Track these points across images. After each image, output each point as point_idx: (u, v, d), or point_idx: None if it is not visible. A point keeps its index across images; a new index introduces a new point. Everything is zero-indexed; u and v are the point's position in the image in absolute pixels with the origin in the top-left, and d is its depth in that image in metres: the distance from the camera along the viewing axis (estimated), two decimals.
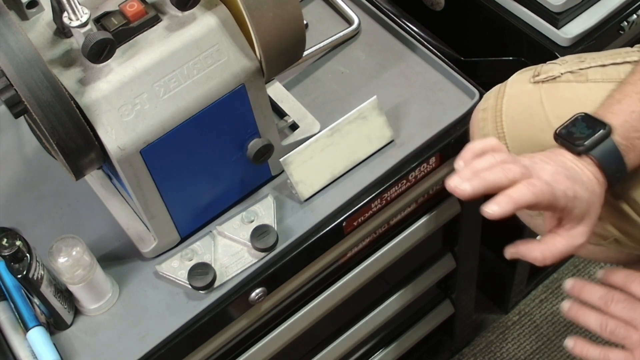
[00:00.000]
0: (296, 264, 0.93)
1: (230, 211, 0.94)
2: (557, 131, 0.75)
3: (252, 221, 0.91)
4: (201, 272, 0.87)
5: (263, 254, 0.89)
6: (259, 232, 0.89)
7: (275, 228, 0.90)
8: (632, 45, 0.87)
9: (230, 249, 0.90)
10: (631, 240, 0.82)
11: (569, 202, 0.72)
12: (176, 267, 0.89)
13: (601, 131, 0.73)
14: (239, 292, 0.89)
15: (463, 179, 0.70)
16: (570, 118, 0.75)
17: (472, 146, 0.74)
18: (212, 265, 0.88)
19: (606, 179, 0.74)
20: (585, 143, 0.73)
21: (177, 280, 0.89)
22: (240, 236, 0.90)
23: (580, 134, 0.74)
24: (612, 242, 0.83)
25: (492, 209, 0.70)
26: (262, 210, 0.92)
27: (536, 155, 0.75)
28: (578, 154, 0.74)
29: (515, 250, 0.77)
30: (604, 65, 0.83)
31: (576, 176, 0.73)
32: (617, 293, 0.76)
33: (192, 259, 0.89)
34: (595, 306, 0.76)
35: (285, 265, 0.90)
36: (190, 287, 0.87)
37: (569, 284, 0.78)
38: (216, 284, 0.87)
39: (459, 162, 0.73)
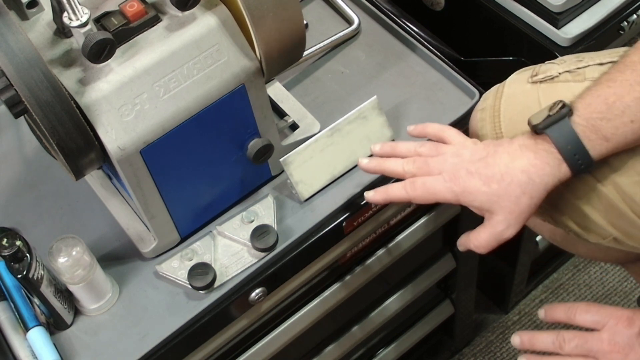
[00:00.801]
0: (296, 264, 0.93)
1: (230, 211, 0.94)
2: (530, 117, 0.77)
3: (252, 221, 0.91)
4: (201, 272, 0.87)
5: (263, 254, 0.89)
6: (259, 232, 0.89)
7: (275, 228, 0.90)
8: (631, 45, 0.87)
9: (230, 249, 0.90)
10: (630, 239, 0.82)
11: (458, 198, 0.79)
12: (176, 267, 0.89)
13: (560, 110, 0.75)
14: (239, 292, 0.89)
15: (369, 161, 0.86)
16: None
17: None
18: (212, 265, 0.88)
19: (565, 160, 0.75)
20: (543, 123, 0.75)
21: (177, 280, 0.89)
22: (240, 236, 0.90)
23: (543, 113, 0.76)
24: (611, 241, 0.83)
25: (369, 195, 0.85)
26: (262, 210, 0.92)
27: (474, 145, 0.81)
28: (536, 132, 0.76)
29: (459, 242, 0.84)
30: (601, 64, 0.83)
31: (486, 170, 0.77)
32: (566, 333, 0.79)
33: (192, 259, 0.89)
34: (550, 352, 0.80)
35: (285, 265, 0.90)
36: (190, 287, 0.87)
37: (516, 340, 0.83)
38: (216, 284, 0.87)
39: (377, 145, 0.86)
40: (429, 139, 0.88)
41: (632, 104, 0.73)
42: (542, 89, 0.84)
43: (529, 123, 0.77)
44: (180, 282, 0.89)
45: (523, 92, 0.85)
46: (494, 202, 0.77)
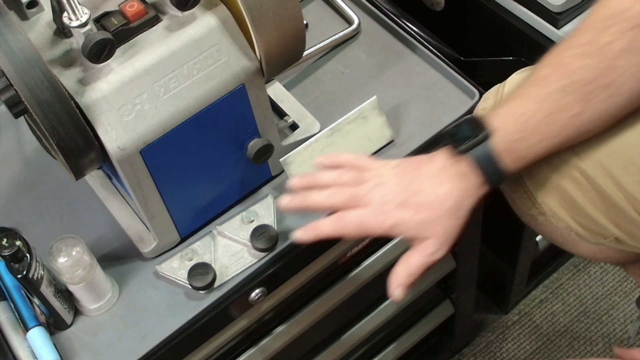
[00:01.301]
0: (296, 264, 0.93)
1: (230, 211, 0.94)
2: (443, 131, 0.78)
3: (252, 221, 0.91)
4: (201, 272, 0.87)
5: (263, 254, 0.89)
6: (259, 232, 0.89)
7: (275, 228, 0.90)
8: None
9: (230, 249, 0.90)
10: (632, 239, 0.82)
11: (389, 230, 0.77)
12: (176, 267, 0.89)
13: (480, 134, 0.75)
14: (239, 292, 0.89)
15: (291, 199, 0.81)
16: (457, 120, 0.78)
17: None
18: (212, 265, 0.88)
19: (486, 181, 0.77)
20: (464, 145, 0.76)
21: (177, 280, 0.89)
22: (240, 236, 0.90)
23: (461, 135, 0.76)
24: (613, 240, 0.83)
25: (296, 234, 0.80)
26: (262, 210, 0.92)
27: (395, 170, 0.80)
28: (456, 153, 0.77)
29: (396, 286, 0.79)
30: None
31: (414, 199, 0.77)
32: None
33: (192, 259, 0.89)
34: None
35: (285, 265, 0.90)
36: (190, 287, 0.87)
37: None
38: (216, 284, 0.87)
39: (295, 179, 0.82)
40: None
41: (542, 122, 0.74)
42: None
43: (445, 137, 0.78)
44: (180, 282, 0.89)
45: None
46: (424, 229, 0.77)
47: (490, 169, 0.76)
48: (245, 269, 0.89)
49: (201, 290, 0.87)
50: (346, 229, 0.79)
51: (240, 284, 0.89)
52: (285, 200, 0.81)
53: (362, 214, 0.78)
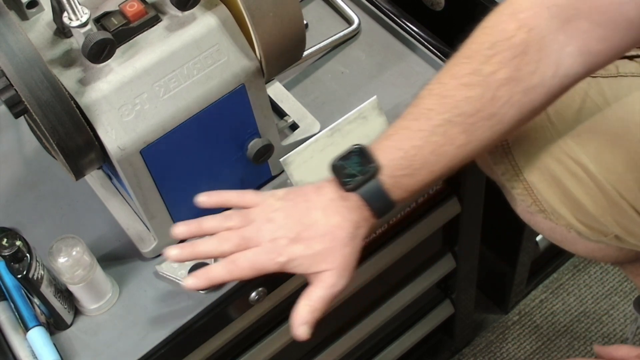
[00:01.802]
0: None
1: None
2: (333, 162, 0.77)
3: None
4: None
5: None
6: None
7: None
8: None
9: None
10: (631, 236, 0.82)
11: (284, 266, 0.77)
12: (176, 267, 0.89)
13: (368, 171, 0.75)
14: (239, 292, 0.89)
15: (177, 247, 0.79)
16: (347, 149, 0.77)
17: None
18: None
19: (376, 214, 0.77)
20: (353, 183, 0.76)
21: (177, 280, 0.89)
22: None
23: (351, 170, 0.76)
24: (613, 238, 0.83)
25: (188, 282, 0.78)
26: None
27: (283, 203, 0.79)
28: (345, 190, 0.76)
29: (299, 323, 0.79)
30: None
31: (306, 233, 0.76)
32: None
33: None
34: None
35: None
36: None
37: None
38: None
39: (180, 227, 0.80)
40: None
41: (429, 156, 0.74)
42: None
43: (334, 171, 0.77)
44: (180, 282, 0.89)
45: None
46: (320, 262, 0.77)
47: (378, 203, 0.77)
48: None
49: (201, 290, 0.87)
50: (240, 272, 0.77)
51: (241, 284, 0.89)
52: (174, 252, 0.79)
53: (254, 255, 0.77)
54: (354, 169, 0.76)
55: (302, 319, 0.78)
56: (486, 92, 0.71)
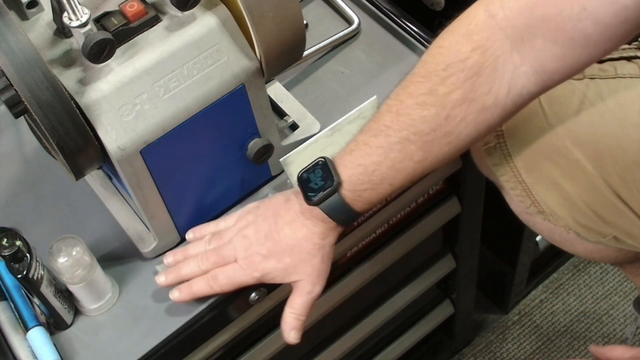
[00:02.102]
0: None
1: (231, 210, 0.94)
2: (300, 174, 0.81)
3: None
4: None
5: None
6: None
7: None
8: (629, 43, 0.87)
9: None
10: (630, 238, 0.82)
11: (260, 279, 0.83)
12: None
13: (330, 186, 0.79)
14: (239, 292, 0.89)
15: (164, 273, 0.86)
16: (313, 162, 0.81)
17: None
18: None
19: (339, 225, 0.82)
20: (315, 198, 0.79)
21: None
22: None
23: (314, 184, 0.80)
24: (611, 239, 0.83)
25: (174, 295, 0.85)
26: None
27: (255, 217, 0.85)
28: (309, 204, 0.80)
29: (288, 329, 0.86)
30: (601, 62, 0.83)
31: (276, 247, 0.82)
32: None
33: None
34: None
35: None
36: None
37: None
38: None
39: (168, 257, 0.88)
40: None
41: (389, 171, 0.77)
42: None
43: (299, 183, 0.81)
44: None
45: None
46: (292, 273, 0.83)
47: (341, 215, 0.80)
48: None
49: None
50: (220, 287, 0.84)
51: None
52: (162, 279, 0.86)
53: (231, 271, 0.83)
54: (317, 182, 0.80)
55: (289, 326, 0.85)
56: (441, 111, 0.73)
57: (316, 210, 0.80)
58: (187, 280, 0.85)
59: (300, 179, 0.81)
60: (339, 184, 0.79)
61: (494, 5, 0.70)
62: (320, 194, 0.79)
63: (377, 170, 0.77)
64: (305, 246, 0.82)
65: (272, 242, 0.82)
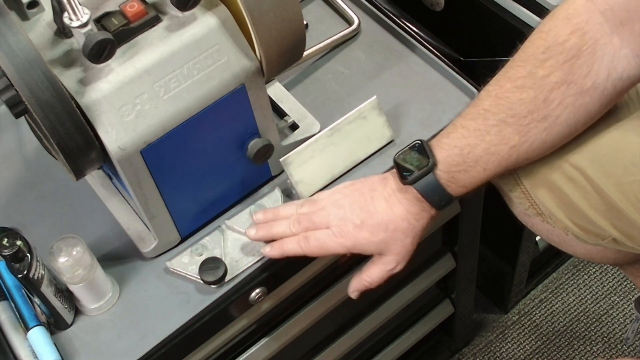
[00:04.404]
0: (296, 263, 0.93)
1: (237, 206, 0.94)
2: (395, 156, 0.82)
3: None
4: (212, 266, 0.87)
5: None
6: None
7: None
8: None
9: (239, 242, 0.90)
10: (629, 240, 0.82)
11: (350, 250, 0.84)
12: (186, 262, 0.89)
13: (425, 166, 0.80)
14: (239, 292, 0.89)
15: (255, 227, 0.88)
16: (408, 144, 0.82)
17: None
18: (223, 260, 0.88)
19: (432, 206, 0.83)
20: (410, 177, 0.81)
21: (188, 276, 0.89)
22: None
23: (410, 164, 0.81)
24: (610, 241, 0.83)
25: (265, 250, 0.87)
26: (270, 203, 0.92)
27: (349, 191, 0.85)
28: (403, 184, 0.82)
29: (351, 288, 0.88)
30: None
31: (371, 220, 0.82)
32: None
33: (202, 254, 0.90)
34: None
35: (285, 265, 0.91)
36: (201, 282, 0.87)
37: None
38: (227, 277, 0.87)
39: (259, 214, 0.89)
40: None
41: (483, 154, 0.78)
42: None
43: (395, 164, 0.82)
44: (191, 278, 0.89)
45: None
46: (383, 248, 0.84)
47: (435, 197, 0.81)
48: (256, 262, 0.89)
49: (213, 284, 0.87)
50: (309, 248, 0.84)
51: (241, 283, 0.89)
52: (253, 231, 0.88)
53: (324, 235, 0.84)
54: (413, 163, 0.81)
55: (357, 288, 0.87)
56: (539, 94, 0.74)
57: (411, 190, 0.81)
58: (276, 238, 0.86)
59: (395, 160, 0.82)
60: (434, 164, 0.80)
61: None
62: (416, 173, 0.80)
63: (472, 153, 0.78)
64: (400, 224, 0.82)
65: (366, 214, 0.83)
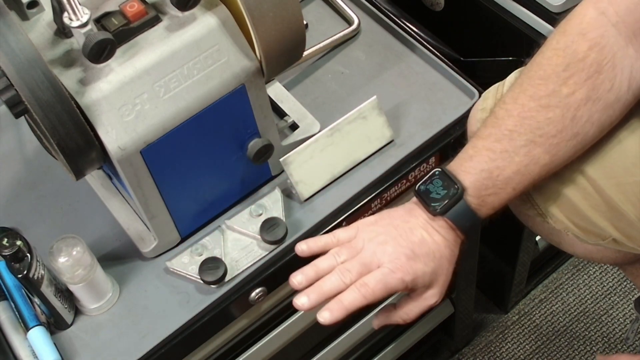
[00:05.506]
0: (296, 263, 0.93)
1: (237, 206, 0.94)
2: (417, 187, 0.80)
3: (260, 214, 0.91)
4: (212, 266, 0.87)
5: (273, 246, 0.89)
6: (269, 225, 0.89)
7: (284, 220, 0.90)
8: None
9: (239, 242, 0.90)
10: (630, 240, 0.82)
11: (408, 285, 0.78)
12: (186, 262, 0.89)
13: (454, 194, 0.78)
14: (239, 292, 0.89)
15: (302, 294, 0.78)
16: (429, 174, 0.80)
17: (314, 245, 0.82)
18: (223, 260, 0.88)
19: (462, 232, 0.80)
20: (440, 207, 0.78)
21: (188, 276, 0.89)
22: (250, 229, 0.90)
23: (436, 194, 0.79)
24: (611, 242, 0.83)
25: (324, 317, 0.76)
26: (270, 203, 0.92)
27: (382, 227, 0.80)
28: (434, 215, 0.79)
29: (379, 322, 0.85)
30: None
31: (420, 250, 0.78)
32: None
33: (202, 254, 0.90)
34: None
35: (285, 265, 0.91)
36: (201, 282, 0.87)
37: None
38: (227, 277, 0.87)
39: (297, 277, 0.79)
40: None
41: (514, 175, 0.77)
42: None
43: (418, 196, 0.80)
44: (191, 278, 0.89)
45: None
46: (433, 280, 0.80)
47: (467, 223, 0.79)
48: (256, 261, 0.89)
49: (212, 284, 0.87)
50: (373, 293, 0.77)
51: (241, 283, 0.89)
52: (304, 299, 0.78)
53: (380, 275, 0.77)
54: (439, 192, 0.78)
55: (386, 322, 0.83)
56: (566, 112, 0.74)
57: (440, 220, 0.79)
58: (330, 296, 0.78)
59: (418, 191, 0.80)
60: (464, 190, 0.78)
61: (602, 2, 0.72)
62: (446, 202, 0.78)
63: (501, 175, 0.77)
64: (445, 252, 0.80)
65: (414, 245, 0.79)
